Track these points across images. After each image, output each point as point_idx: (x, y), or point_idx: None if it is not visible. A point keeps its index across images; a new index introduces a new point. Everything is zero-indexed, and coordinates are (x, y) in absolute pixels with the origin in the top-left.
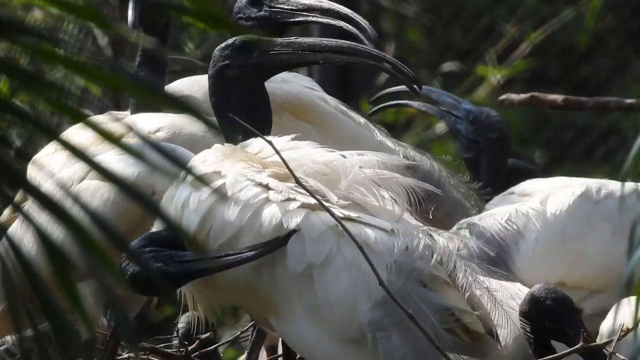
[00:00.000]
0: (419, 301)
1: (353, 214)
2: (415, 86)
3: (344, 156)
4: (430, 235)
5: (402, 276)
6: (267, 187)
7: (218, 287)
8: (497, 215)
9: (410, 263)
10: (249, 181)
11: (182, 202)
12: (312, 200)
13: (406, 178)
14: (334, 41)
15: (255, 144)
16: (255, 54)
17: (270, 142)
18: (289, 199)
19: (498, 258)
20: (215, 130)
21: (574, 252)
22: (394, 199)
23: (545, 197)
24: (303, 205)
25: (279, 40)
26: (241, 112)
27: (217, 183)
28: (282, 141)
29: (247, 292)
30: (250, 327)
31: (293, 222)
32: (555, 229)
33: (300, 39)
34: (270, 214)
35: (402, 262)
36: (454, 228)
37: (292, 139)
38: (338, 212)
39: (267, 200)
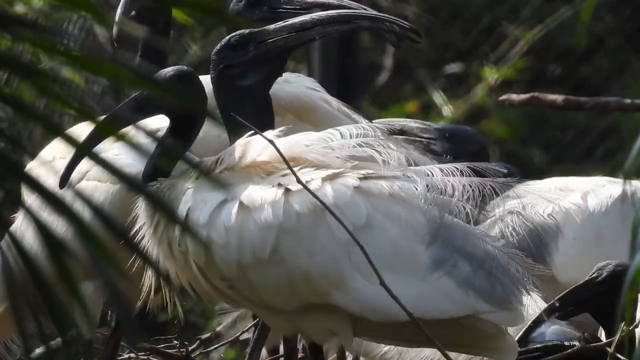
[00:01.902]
0: (466, 230)
1: (369, 171)
2: (415, 36)
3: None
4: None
5: (443, 211)
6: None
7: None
8: (538, 207)
9: (443, 202)
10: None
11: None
12: (326, 172)
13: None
14: (323, 14)
15: (256, 146)
16: (252, 47)
17: (272, 142)
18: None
19: (537, 251)
20: (217, 123)
21: (607, 253)
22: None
23: (585, 193)
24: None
25: (271, 27)
26: (246, 110)
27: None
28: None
29: (294, 285)
30: (251, 327)
31: (326, 194)
32: (592, 229)
33: (290, 21)
34: (304, 199)
35: (436, 201)
36: (496, 213)
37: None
38: (352, 175)
39: (290, 193)
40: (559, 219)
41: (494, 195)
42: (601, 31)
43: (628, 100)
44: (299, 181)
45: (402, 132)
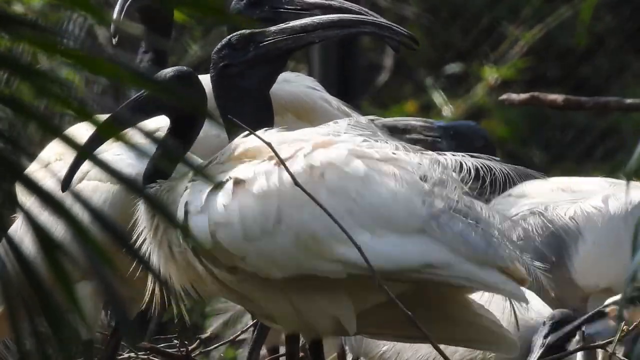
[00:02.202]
0: (460, 187)
1: (364, 145)
2: (412, 43)
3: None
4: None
5: (442, 194)
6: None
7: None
8: (560, 209)
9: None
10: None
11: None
12: (319, 140)
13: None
14: (325, 17)
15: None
16: (252, 48)
17: (269, 144)
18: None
19: (557, 253)
20: (215, 122)
21: (626, 259)
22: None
23: (606, 197)
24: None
25: (272, 28)
26: (245, 110)
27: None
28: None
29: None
30: (250, 326)
31: (320, 157)
32: (613, 234)
33: (291, 23)
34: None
35: (429, 166)
36: (516, 214)
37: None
38: (344, 144)
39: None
40: (580, 222)
41: (488, 174)
42: (601, 31)
43: (628, 100)
44: (289, 173)
45: (404, 131)
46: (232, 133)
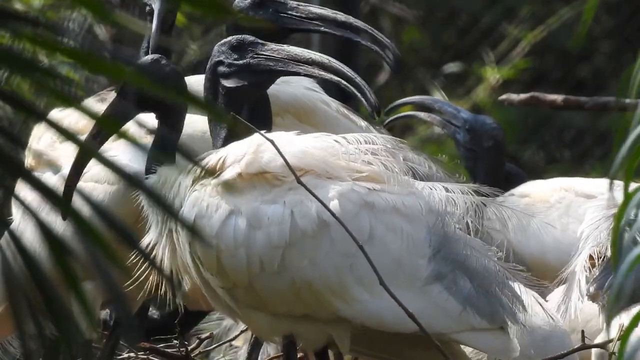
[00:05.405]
0: (468, 245)
1: (375, 186)
2: (375, 113)
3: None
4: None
5: (445, 226)
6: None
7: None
8: None
9: (445, 216)
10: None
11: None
12: (331, 185)
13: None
14: (319, 55)
15: (266, 154)
16: (248, 55)
17: (271, 141)
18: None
19: None
20: (221, 119)
21: None
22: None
23: None
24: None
25: (273, 45)
26: (227, 106)
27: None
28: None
29: (299, 295)
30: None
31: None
32: None
33: (290, 48)
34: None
35: (439, 216)
36: (596, 215)
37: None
38: (357, 188)
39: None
40: None
41: (495, 216)
42: (599, 32)
43: (628, 100)
44: (306, 188)
45: (439, 112)
46: (215, 125)
